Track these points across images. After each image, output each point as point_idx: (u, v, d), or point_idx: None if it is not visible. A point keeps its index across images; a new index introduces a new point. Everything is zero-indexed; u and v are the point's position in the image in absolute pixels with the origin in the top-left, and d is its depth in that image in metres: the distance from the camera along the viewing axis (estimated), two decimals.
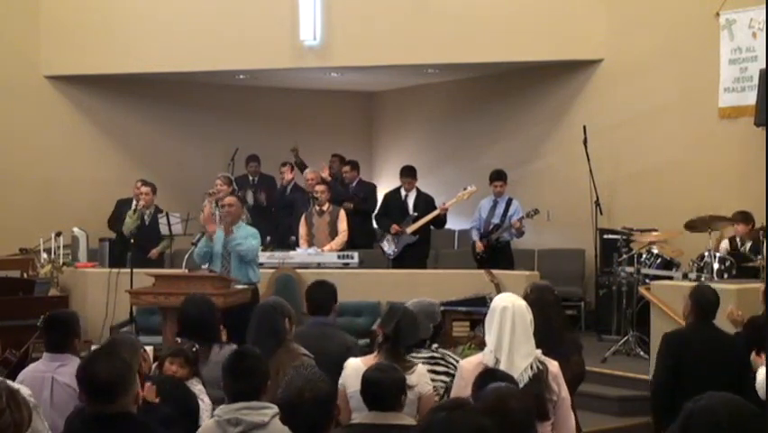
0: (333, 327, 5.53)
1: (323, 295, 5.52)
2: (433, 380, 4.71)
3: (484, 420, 2.59)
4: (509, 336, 4.17)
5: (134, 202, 10.83)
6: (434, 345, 5.01)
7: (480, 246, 9.81)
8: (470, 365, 4.26)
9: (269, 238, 10.20)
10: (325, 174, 10.89)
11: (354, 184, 11.18)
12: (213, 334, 5.22)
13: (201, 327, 5.18)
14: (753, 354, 5.43)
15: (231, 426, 3.57)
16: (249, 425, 3.55)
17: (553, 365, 4.27)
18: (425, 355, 4.86)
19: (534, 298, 4.77)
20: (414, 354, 4.83)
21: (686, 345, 5.70)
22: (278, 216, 11.45)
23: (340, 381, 4.51)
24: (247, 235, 8.13)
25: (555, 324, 4.82)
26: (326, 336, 5.30)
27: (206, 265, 8.26)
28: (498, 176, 9.96)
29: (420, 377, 4.49)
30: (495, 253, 9.79)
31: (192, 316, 5.27)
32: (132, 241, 9.77)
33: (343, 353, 5.06)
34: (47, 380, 4.51)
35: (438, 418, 2.59)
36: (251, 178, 11.92)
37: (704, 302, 5.73)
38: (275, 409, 3.59)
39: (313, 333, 5.31)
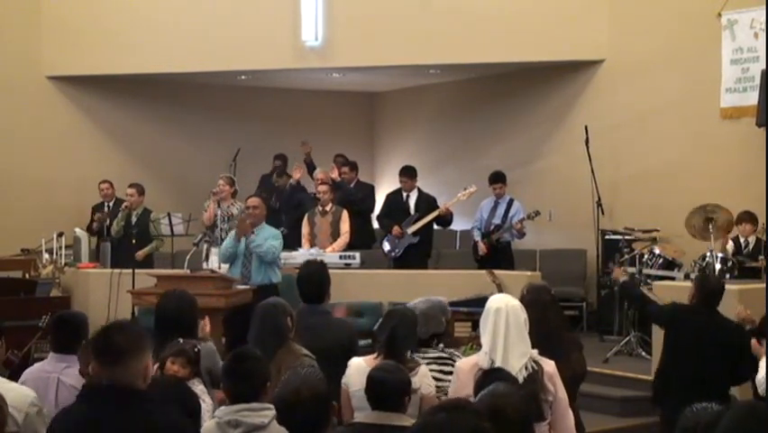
0: (328, 314, 5.48)
1: (316, 284, 5.48)
2: (441, 380, 4.72)
3: (483, 422, 2.58)
4: (504, 336, 4.18)
5: (105, 204, 10.89)
6: (440, 345, 5.01)
7: (483, 249, 9.79)
8: (466, 366, 4.27)
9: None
10: (334, 175, 10.87)
11: (353, 185, 11.17)
12: (191, 330, 5.13)
13: (179, 322, 5.09)
14: (753, 342, 5.52)
15: (231, 427, 3.57)
16: (249, 426, 3.55)
17: (549, 365, 4.27)
18: (433, 356, 4.87)
19: (531, 298, 4.78)
20: (422, 355, 4.83)
21: (686, 319, 5.92)
22: (286, 216, 11.41)
23: (343, 379, 4.51)
24: (268, 237, 8.17)
25: (554, 324, 4.83)
26: (322, 326, 5.27)
27: (228, 265, 8.29)
28: (497, 178, 9.94)
29: (422, 378, 4.49)
30: (496, 253, 9.78)
31: (170, 311, 5.19)
32: (133, 241, 9.78)
33: (343, 343, 5.04)
34: (52, 380, 4.49)
35: (437, 418, 2.57)
36: (274, 177, 11.87)
37: (706, 287, 5.93)
38: (275, 410, 3.59)
39: (308, 323, 5.25)
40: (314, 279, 5.52)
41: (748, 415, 2.38)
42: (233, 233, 8.37)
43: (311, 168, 11.51)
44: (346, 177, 11.16)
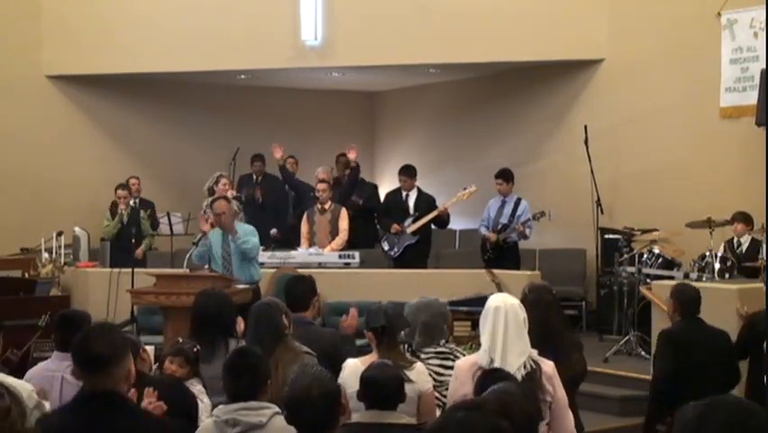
0: (312, 325, 5.48)
1: (301, 290, 5.51)
2: (442, 374, 4.74)
3: (502, 423, 2.57)
4: (502, 335, 4.19)
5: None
6: (441, 341, 5.01)
7: (492, 236, 9.75)
8: (465, 365, 4.28)
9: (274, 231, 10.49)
10: (352, 155, 10.82)
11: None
12: (230, 328, 5.21)
13: (219, 320, 5.17)
14: None
15: (229, 426, 3.56)
16: (247, 425, 3.54)
17: (548, 366, 4.27)
18: (435, 350, 4.88)
19: (533, 298, 4.78)
20: (422, 349, 4.82)
21: (682, 342, 5.88)
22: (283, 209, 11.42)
23: (338, 381, 4.50)
24: (246, 233, 8.15)
25: (555, 324, 4.83)
26: (307, 336, 5.26)
27: (206, 266, 8.26)
28: (498, 174, 9.94)
29: (420, 375, 4.49)
30: (502, 252, 9.76)
31: (210, 309, 5.24)
32: (132, 240, 9.80)
33: (327, 351, 5.03)
34: (56, 379, 4.49)
35: (456, 416, 2.56)
36: (254, 177, 11.87)
37: (685, 299, 5.94)
38: (274, 408, 3.59)
39: (294, 334, 5.25)
40: (296, 289, 5.56)
41: (735, 410, 2.40)
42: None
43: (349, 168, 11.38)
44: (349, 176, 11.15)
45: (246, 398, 3.60)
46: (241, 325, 5.66)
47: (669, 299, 6.11)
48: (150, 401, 3.89)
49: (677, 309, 5.96)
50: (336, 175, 11.53)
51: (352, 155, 10.77)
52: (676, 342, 5.93)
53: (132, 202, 10.95)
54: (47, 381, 4.47)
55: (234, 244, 8.07)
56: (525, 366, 4.15)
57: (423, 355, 4.82)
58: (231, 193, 10.06)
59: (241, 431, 3.55)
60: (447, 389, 4.70)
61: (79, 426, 3.06)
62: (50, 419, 3.23)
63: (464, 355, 4.92)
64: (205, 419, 4.00)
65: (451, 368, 4.76)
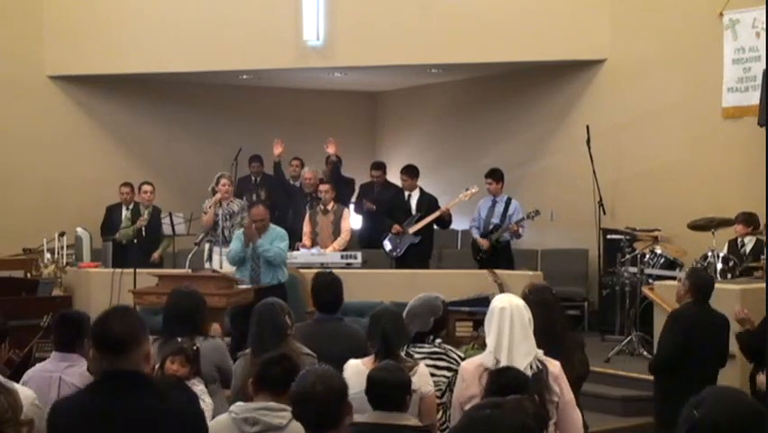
0: (341, 321, 5.43)
1: (333, 294, 5.46)
2: (434, 375, 4.71)
3: (528, 420, 2.56)
4: (508, 335, 4.18)
5: (123, 207, 10.83)
6: (438, 341, 4.99)
7: (484, 243, 9.75)
8: (470, 366, 4.27)
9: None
10: (332, 149, 10.88)
11: (379, 187, 11.19)
12: (198, 326, 5.18)
13: (188, 318, 5.14)
14: (759, 377, 5.72)
15: (248, 425, 3.55)
16: (266, 426, 3.53)
17: (554, 366, 4.26)
18: (427, 351, 4.85)
19: (535, 299, 4.77)
20: (415, 349, 4.82)
21: (693, 324, 5.94)
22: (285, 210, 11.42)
23: None
24: (274, 238, 8.23)
25: (558, 324, 4.82)
26: (339, 332, 5.24)
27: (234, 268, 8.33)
28: (489, 174, 9.93)
29: (421, 378, 4.47)
30: (495, 252, 9.76)
31: (180, 306, 5.23)
32: (134, 241, 9.78)
33: (357, 347, 4.98)
34: (54, 380, 4.49)
35: (481, 415, 2.54)
36: (253, 178, 11.90)
37: (701, 284, 6.02)
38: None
39: (324, 329, 5.25)
40: (331, 288, 5.50)
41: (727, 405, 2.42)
42: (238, 233, 8.40)
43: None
44: (377, 180, 11.16)
45: (274, 393, 3.61)
46: (218, 329, 5.65)
47: (684, 280, 6.14)
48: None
49: (690, 291, 6.00)
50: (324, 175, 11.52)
51: (330, 149, 10.85)
52: (684, 322, 6.01)
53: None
54: (45, 381, 4.47)
55: (256, 252, 8.14)
56: (531, 367, 4.14)
57: (416, 356, 4.79)
58: (228, 187, 10.06)
59: (260, 430, 3.54)
60: (440, 389, 4.69)
61: (104, 405, 3.05)
62: (74, 399, 3.22)
63: (460, 356, 4.91)
64: (207, 420, 3.99)
65: (444, 369, 4.76)
